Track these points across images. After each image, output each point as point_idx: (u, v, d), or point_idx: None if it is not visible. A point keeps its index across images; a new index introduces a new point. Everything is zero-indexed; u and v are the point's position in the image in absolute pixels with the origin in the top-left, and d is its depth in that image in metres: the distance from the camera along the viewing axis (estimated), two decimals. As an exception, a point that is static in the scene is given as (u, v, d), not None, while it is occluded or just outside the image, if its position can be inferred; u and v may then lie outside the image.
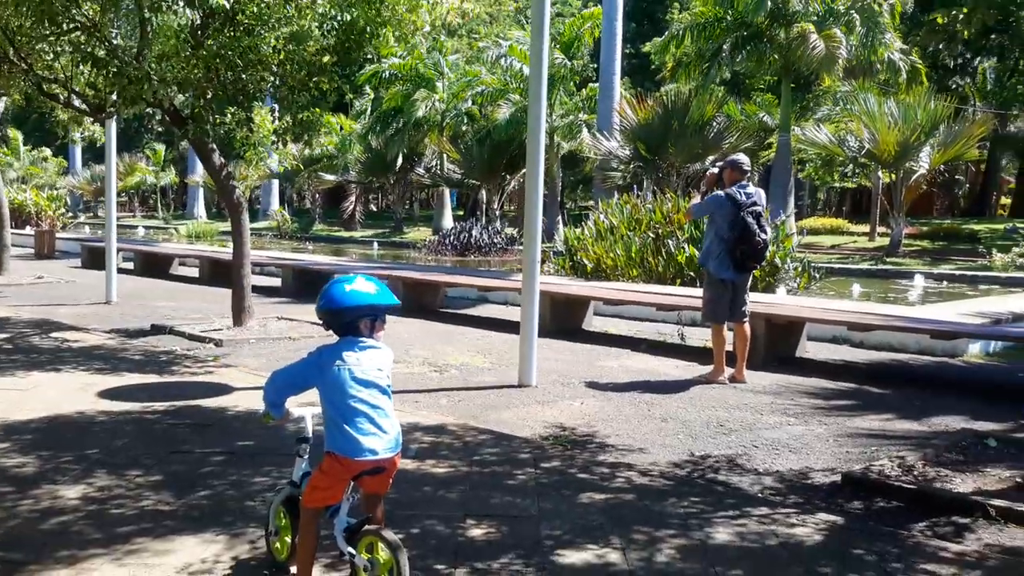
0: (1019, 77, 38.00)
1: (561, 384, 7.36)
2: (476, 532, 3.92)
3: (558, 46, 26.96)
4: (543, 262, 15.56)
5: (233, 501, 4.31)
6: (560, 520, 4.09)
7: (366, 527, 3.23)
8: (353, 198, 35.11)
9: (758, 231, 7.35)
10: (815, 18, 23.83)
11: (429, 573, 3.48)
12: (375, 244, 28.18)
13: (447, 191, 33.62)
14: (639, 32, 42.46)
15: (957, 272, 18.10)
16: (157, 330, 9.71)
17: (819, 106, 31.90)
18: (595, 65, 28.05)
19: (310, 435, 3.48)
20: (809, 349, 8.98)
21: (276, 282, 14.80)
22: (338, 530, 3.24)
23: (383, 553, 3.14)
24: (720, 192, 7.54)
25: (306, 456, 3.47)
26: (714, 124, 24.00)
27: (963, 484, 4.65)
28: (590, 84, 28.13)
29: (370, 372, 3.22)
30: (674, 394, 7.04)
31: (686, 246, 12.44)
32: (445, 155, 30.39)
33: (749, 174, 7.80)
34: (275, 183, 40.20)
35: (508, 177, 29.04)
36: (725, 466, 5.10)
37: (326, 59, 7.81)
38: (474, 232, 23.27)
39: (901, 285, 16.62)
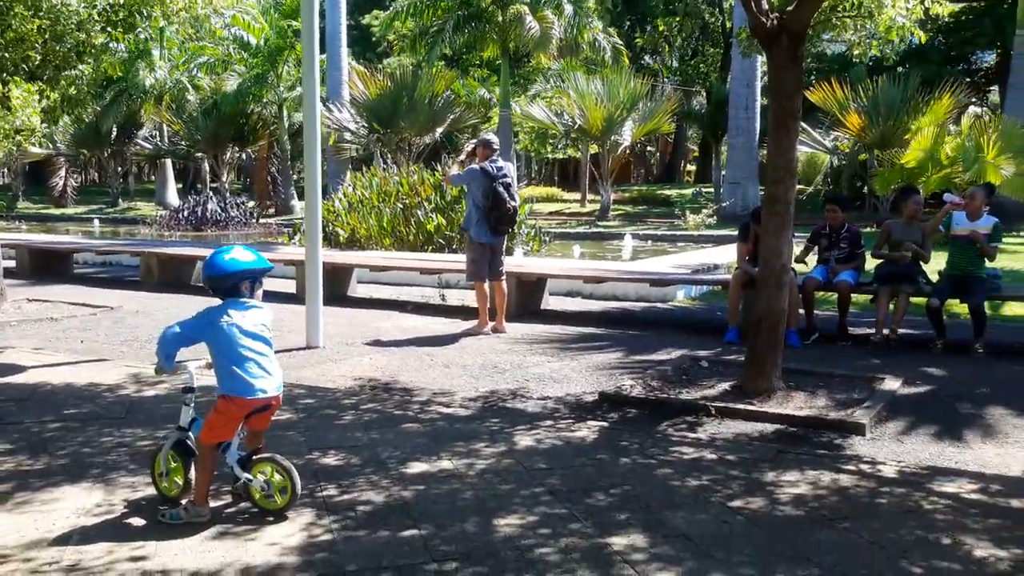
0: (699, 59, 42.80)
1: (346, 344, 8.11)
2: (328, 460, 4.69)
3: (281, 15, 26.90)
4: (294, 235, 16.03)
5: (92, 457, 4.73)
6: (393, 446, 4.95)
7: (256, 456, 3.92)
8: (63, 172, 32.71)
9: (508, 199, 8.52)
10: (528, 0, 25.70)
11: (304, 490, 4.22)
12: (96, 221, 26.69)
13: (169, 164, 32.33)
14: (358, 4, 42.84)
15: (659, 232, 20.69)
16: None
17: (533, 82, 34.18)
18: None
19: (195, 385, 4.05)
20: (551, 302, 10.37)
21: (9, 264, 14.03)
22: (232, 461, 3.88)
23: (275, 475, 3.86)
24: (475, 166, 8.62)
25: (192, 404, 4.04)
26: (440, 99, 25.23)
27: (689, 394, 6.06)
28: (319, 56, 28.28)
29: (256, 327, 3.90)
30: (448, 346, 8.06)
31: (434, 215, 13.49)
32: (166, 126, 29.23)
33: (499, 150, 8.94)
34: (-38, 157, 36.35)
35: (236, 149, 28.55)
36: (510, 397, 6.19)
37: (96, 39, 7.89)
38: (210, 206, 22.90)
39: (614, 245, 18.80)
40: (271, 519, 3.82)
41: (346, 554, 3.51)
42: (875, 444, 5.11)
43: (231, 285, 3.92)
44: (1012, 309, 9.64)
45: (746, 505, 4.04)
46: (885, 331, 7.89)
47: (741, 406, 5.66)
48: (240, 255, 3.93)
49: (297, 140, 33.83)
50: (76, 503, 4.06)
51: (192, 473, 3.94)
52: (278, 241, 19.40)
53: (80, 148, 31.94)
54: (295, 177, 39.80)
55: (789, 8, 5.67)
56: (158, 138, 30.53)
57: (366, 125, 25.07)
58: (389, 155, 24.74)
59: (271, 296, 11.05)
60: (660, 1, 35.12)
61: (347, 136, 25.15)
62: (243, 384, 3.80)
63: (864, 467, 4.62)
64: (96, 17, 7.92)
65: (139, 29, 8.14)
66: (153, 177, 51.67)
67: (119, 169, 35.39)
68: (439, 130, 25.76)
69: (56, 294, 11.18)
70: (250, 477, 3.85)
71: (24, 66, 7.92)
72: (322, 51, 29.59)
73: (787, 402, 5.79)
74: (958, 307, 8.31)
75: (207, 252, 12.91)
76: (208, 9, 8.98)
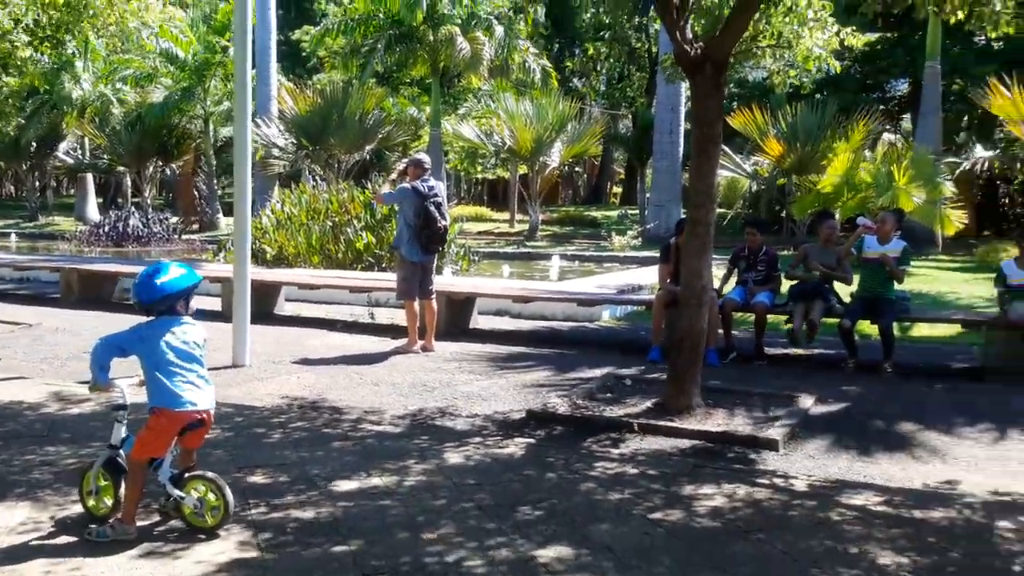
0: (625, 83, 43.64)
1: (273, 363, 8.09)
2: (256, 478, 4.71)
3: (211, 31, 26.60)
4: (219, 251, 15.84)
5: (15, 475, 4.66)
6: (322, 463, 4.99)
7: (189, 473, 3.93)
8: (-25, 185, 31.66)
9: (439, 218, 8.63)
10: (460, 21, 25.91)
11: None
12: (12, 235, 25.84)
13: (91, 178, 31.55)
14: (287, 19, 42.54)
15: (586, 253, 21.00)
16: None
17: (463, 102, 34.39)
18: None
19: (127, 403, 4.05)
20: (480, 321, 10.48)
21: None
22: (164, 479, 3.88)
23: (208, 493, 3.87)
24: (407, 185, 8.70)
25: (124, 421, 4.03)
26: (371, 117, 25.22)
27: (613, 411, 6.23)
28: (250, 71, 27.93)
29: (189, 344, 3.93)
30: (378, 364, 8.11)
31: (364, 234, 13.50)
32: (88, 139, 28.56)
33: (430, 170, 9.04)
34: None
35: (160, 163, 28.04)
36: (438, 415, 6.28)
37: (23, 52, 7.77)
38: (132, 221, 22.42)
39: (542, 265, 19.03)
40: (201, 537, 3.84)
41: (276, 571, 3.55)
42: (788, 459, 5.34)
43: (166, 307, 3.94)
44: (920, 331, 10.09)
45: (666, 517, 4.20)
46: (797, 351, 8.20)
47: (662, 423, 5.85)
48: (174, 275, 3.94)
49: (222, 155, 33.42)
50: (1, 522, 4.01)
51: (122, 491, 3.92)
52: (202, 258, 19.12)
53: (-4, 161, 31.08)
54: (220, 193, 39.20)
55: (712, 38, 5.93)
56: (79, 151, 29.76)
57: (295, 141, 24.89)
58: (318, 172, 24.60)
59: (195, 314, 10.87)
60: (589, 26, 35.74)
61: (275, 152, 24.90)
62: (173, 397, 3.82)
63: (777, 481, 4.84)
64: (22, 31, 7.81)
65: (67, 44, 8.03)
66: (72, 191, 50.35)
67: (37, 183, 34.36)
68: (369, 147, 25.72)
69: (-30, 310, 10.87)
70: (182, 495, 3.86)
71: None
72: (252, 66, 29.28)
73: (706, 419, 6.00)
74: (869, 328, 8.67)
75: (129, 268, 12.80)
76: (137, 22, 8.91)
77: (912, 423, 6.24)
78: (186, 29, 24.96)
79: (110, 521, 3.86)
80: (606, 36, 34.45)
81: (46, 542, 3.80)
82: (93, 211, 31.01)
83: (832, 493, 4.65)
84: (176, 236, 23.46)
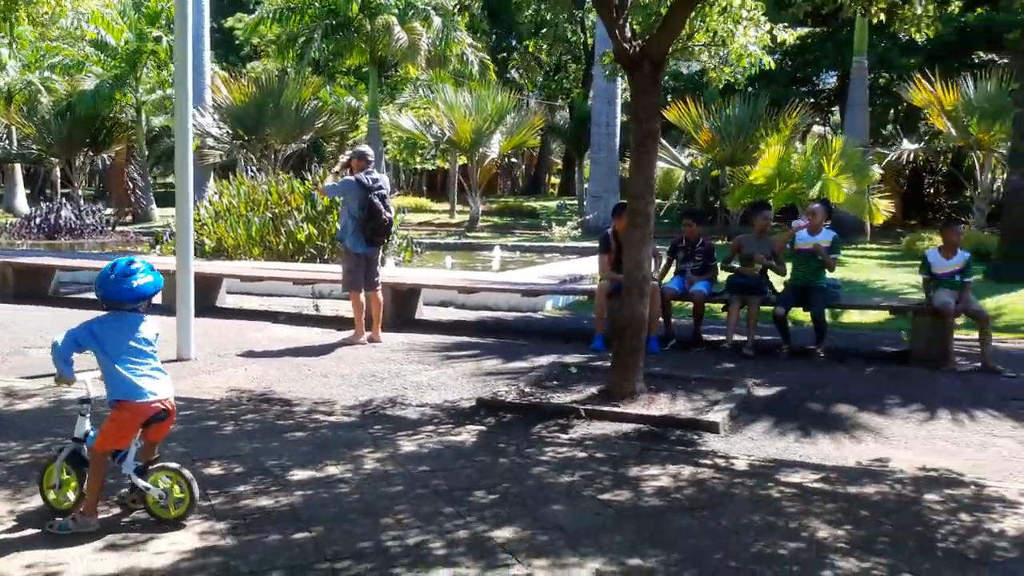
0: (562, 75, 43.90)
1: (219, 356, 8.08)
2: (213, 470, 4.76)
3: (143, 18, 26.06)
4: (155, 244, 15.61)
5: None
6: (277, 454, 5.06)
7: (154, 465, 3.97)
8: None
9: (384, 210, 8.69)
10: (397, 11, 25.81)
11: (191, 499, 4.29)
12: (-65, 228, 25.03)
13: (19, 169, 30.66)
14: (220, 6, 41.78)
15: (527, 243, 21.18)
16: None
17: (401, 92, 34.25)
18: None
19: (90, 396, 4.07)
20: (425, 312, 10.57)
21: None
22: (129, 471, 3.92)
23: (174, 484, 3.92)
24: (351, 177, 8.74)
25: (87, 415, 4.06)
26: (308, 106, 24.99)
27: (561, 398, 6.41)
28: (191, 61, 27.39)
29: (144, 339, 3.97)
30: (325, 355, 8.16)
31: (305, 225, 13.45)
32: (15, 129, 27.75)
33: (373, 162, 9.09)
34: None
35: (92, 154, 27.39)
36: (389, 405, 6.38)
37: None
38: (64, 213, 21.88)
39: (484, 255, 19.14)
40: (165, 528, 3.89)
41: (239, 557, 3.63)
42: (729, 440, 5.57)
43: (131, 307, 3.98)
44: (851, 317, 10.48)
45: (615, 498, 4.38)
46: (735, 337, 8.48)
47: (608, 408, 6.04)
48: (143, 280, 3.96)
49: (154, 145, 32.75)
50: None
51: (86, 485, 3.95)
52: (137, 250, 18.79)
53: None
54: (153, 183, 38.45)
55: (650, 36, 6.11)
56: (6, 141, 28.89)
57: (230, 131, 24.54)
58: (254, 162, 24.31)
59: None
60: (526, 19, 35.85)
61: (210, 142, 24.51)
62: (134, 388, 3.86)
63: (719, 461, 5.06)
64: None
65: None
66: (-2, 182, 48.80)
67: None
68: (306, 137, 25.49)
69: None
70: (148, 486, 3.91)
71: None
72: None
73: (650, 404, 6.21)
74: (802, 315, 9.00)
75: (66, 262, 12.57)
76: (74, 11, 8.77)
77: (845, 405, 6.54)
78: (117, 16, 24.42)
79: (72, 514, 3.88)
80: (544, 33, 34.60)
81: (7, 536, 3.81)
82: (22, 202, 30.16)
83: (771, 472, 4.89)
84: (110, 228, 22.99)
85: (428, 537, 3.84)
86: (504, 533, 3.90)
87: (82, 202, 25.54)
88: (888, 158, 21.48)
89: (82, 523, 3.82)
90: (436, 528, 3.95)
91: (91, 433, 4.00)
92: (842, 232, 20.69)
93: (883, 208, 17.43)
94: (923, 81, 19.51)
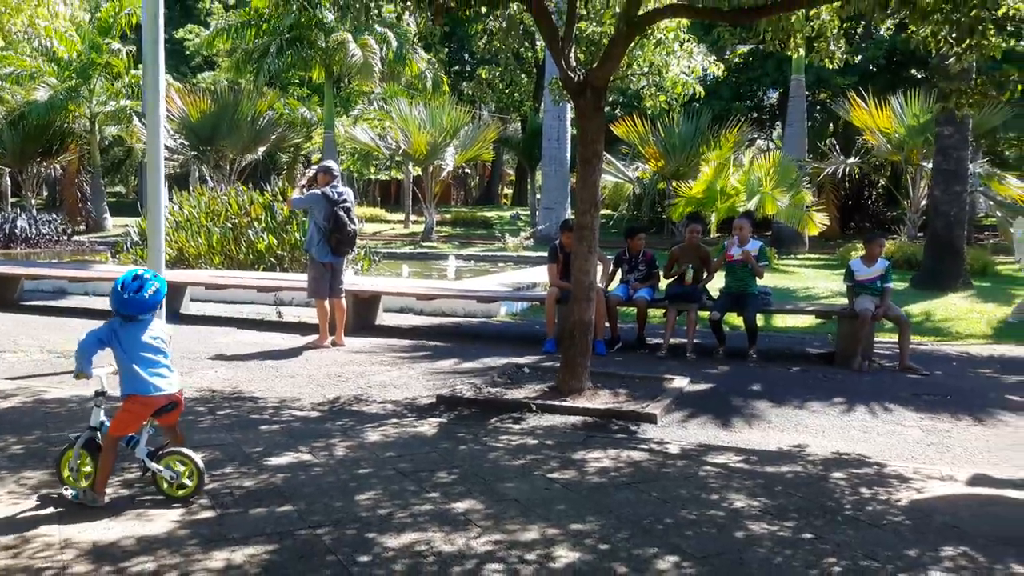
0: (513, 88, 44.61)
1: (189, 359, 8.51)
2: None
3: (96, 30, 26.15)
4: (116, 253, 15.88)
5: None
6: (254, 443, 5.55)
7: (165, 450, 4.46)
8: None
9: (349, 222, 9.21)
10: (351, 27, 26.24)
11: (181, 481, 4.77)
12: None
13: (-32, 178, 30.45)
14: (171, 17, 41.78)
15: (480, 253, 21.75)
16: None
17: (356, 104, 34.64)
18: (132, 48, 27.47)
19: (105, 390, 4.53)
20: (385, 318, 11.08)
21: None
22: (141, 455, 4.41)
23: (181, 466, 4.41)
24: (317, 191, 9.25)
25: (102, 406, 4.52)
26: (263, 118, 25.32)
27: (514, 394, 6.97)
28: (132, 71, 27.64)
29: (154, 338, 4.45)
30: (292, 359, 8.63)
31: (265, 235, 13.87)
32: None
33: (339, 176, 9.60)
34: None
35: (44, 163, 27.36)
36: (354, 401, 6.89)
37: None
38: (20, 223, 21.92)
39: (440, 265, 19.68)
40: (161, 505, 4.37)
41: (229, 526, 4.13)
42: (664, 430, 6.18)
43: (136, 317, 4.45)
44: (785, 321, 11.23)
45: (562, 476, 4.96)
46: (673, 340, 9.12)
47: (557, 403, 6.62)
48: (152, 290, 4.43)
49: (107, 155, 32.73)
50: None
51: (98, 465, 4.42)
52: (95, 259, 18.99)
53: None
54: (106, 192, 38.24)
55: (593, 66, 6.73)
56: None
57: (184, 142, 24.77)
58: (209, 173, 24.54)
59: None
60: (479, 47, 36.50)
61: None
62: (143, 383, 4.34)
63: (654, 446, 5.67)
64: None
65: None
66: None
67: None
68: (261, 149, 25.80)
69: None
70: (160, 468, 4.39)
71: None
72: (138, 65, 28.90)
73: (594, 398, 6.81)
74: (737, 320, 9.68)
75: (32, 271, 12.83)
76: (43, 32, 9.15)
77: (771, 400, 7.20)
78: (72, 29, 24.49)
79: (83, 486, 4.35)
80: (500, 62, 35.26)
81: (22, 514, 4.26)
82: (-29, 212, 29.99)
83: (700, 455, 5.50)
84: (66, 237, 23.06)
85: (396, 509, 4.38)
86: (464, 504, 4.44)
87: (35, 211, 25.53)
88: (824, 172, 22.48)
89: (91, 497, 4.29)
90: (403, 502, 4.48)
91: (105, 423, 4.46)
92: (781, 243, 21.73)
93: (818, 220, 18.32)
94: (857, 100, 20.51)
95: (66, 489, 4.36)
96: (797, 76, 22.44)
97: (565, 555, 3.85)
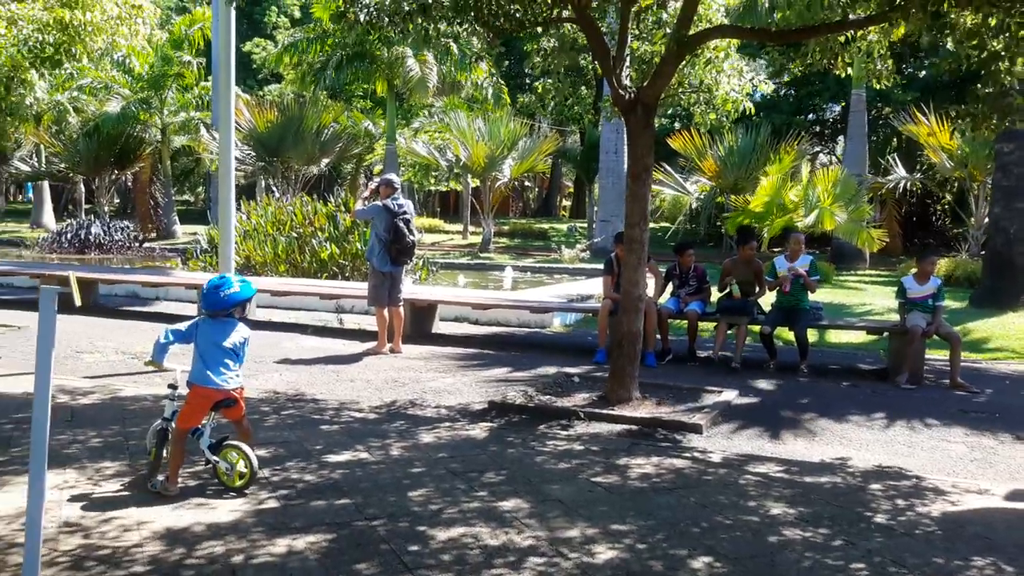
0: (574, 101, 44.72)
1: (255, 362, 8.89)
2: (261, 452, 5.55)
3: (168, 43, 27.10)
4: (186, 260, 16.51)
5: (52, 451, 5.44)
6: (315, 441, 5.87)
7: (225, 443, 4.80)
8: (-71, 192, 31.71)
9: (408, 234, 9.55)
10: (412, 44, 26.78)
11: (247, 474, 5.10)
12: (-30, 242, 26.08)
13: (47, 186, 31.77)
14: (238, 31, 43.06)
15: (536, 264, 22.01)
16: None
17: (417, 116, 35.24)
18: (201, 61, 28.37)
19: (177, 385, 4.91)
20: (441, 326, 11.39)
21: None
22: (204, 446, 4.78)
23: (239, 459, 4.75)
24: (379, 203, 9.61)
25: (175, 400, 4.89)
26: (328, 130, 25.97)
27: (563, 402, 7.20)
28: (202, 83, 28.57)
29: (232, 340, 4.81)
30: (351, 364, 8.98)
31: (328, 244, 14.32)
32: (44, 147, 28.84)
33: (399, 189, 9.95)
34: None
35: (116, 172, 28.44)
36: (410, 405, 7.19)
37: (26, 74, 8.53)
38: (94, 229, 22.87)
39: (496, 275, 19.99)
40: (231, 495, 4.70)
41: (291, 515, 4.43)
42: (709, 440, 6.35)
43: (225, 312, 4.82)
44: (838, 337, 11.25)
45: (605, 480, 5.18)
46: (723, 353, 9.25)
47: (604, 411, 6.83)
48: (235, 289, 4.82)
49: (175, 164, 33.81)
50: (52, 483, 4.82)
51: (165, 453, 4.79)
52: (166, 265, 19.73)
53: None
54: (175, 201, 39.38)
55: (643, 84, 6.95)
56: (34, 159, 30.01)
57: (252, 153, 25.53)
58: (275, 183, 25.26)
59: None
60: (535, 66, 36.82)
61: (233, 163, 25.48)
62: (203, 376, 4.70)
63: (697, 455, 5.85)
64: (26, 54, 8.56)
65: (66, 65, 8.81)
66: (20, 198, 50.04)
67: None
68: (325, 160, 26.45)
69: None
70: (217, 460, 4.74)
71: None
72: (208, 77, 29.89)
73: (641, 408, 7.00)
74: (788, 335, 9.77)
75: (107, 276, 13.45)
76: (123, 50, 9.67)
77: (818, 413, 7.31)
78: (146, 42, 25.47)
79: (160, 478, 4.72)
80: (552, 79, 35.55)
81: (94, 496, 4.63)
82: (49, 218, 31.29)
83: (741, 464, 5.67)
84: (137, 244, 23.95)
85: (446, 505, 4.64)
86: (510, 503, 4.69)
87: (108, 219, 26.57)
88: (885, 188, 22.25)
89: (163, 487, 4.65)
90: (452, 499, 4.74)
91: (175, 413, 4.84)
92: (841, 258, 21.56)
93: (877, 237, 18.19)
94: (919, 115, 20.32)
95: (151, 480, 4.72)
96: (858, 91, 22.27)
97: (604, 552, 4.06)
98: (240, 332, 4.90)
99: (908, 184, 23.01)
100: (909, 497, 5.08)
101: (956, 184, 22.84)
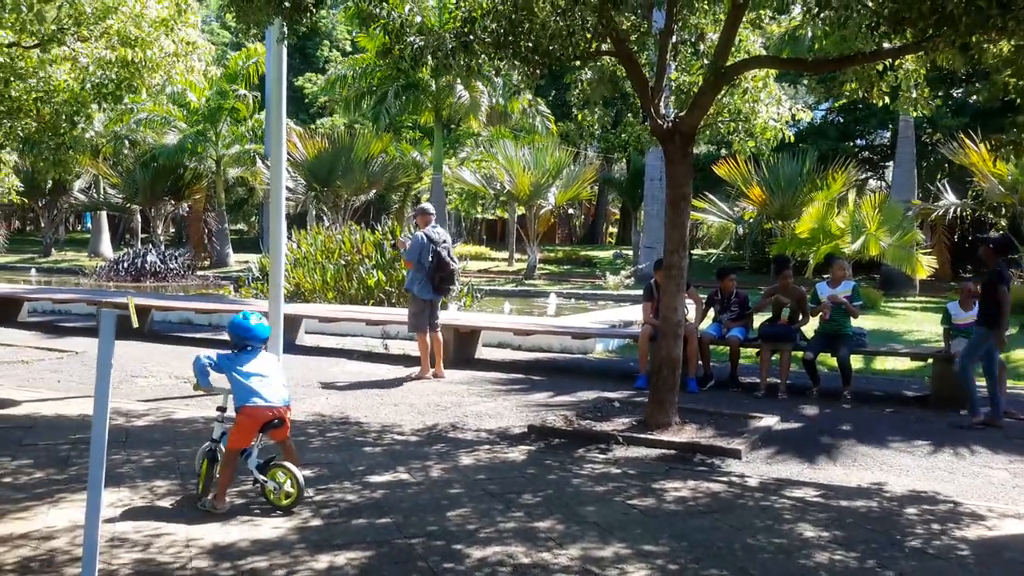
0: (622, 128, 44.90)
1: (303, 386, 9.14)
2: (307, 472, 5.72)
3: (223, 77, 27.90)
4: (239, 287, 16.92)
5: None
6: (358, 462, 6.04)
7: (273, 463, 4.99)
8: (-4, 223, 32.95)
9: (450, 261, 9.74)
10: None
11: (292, 493, 5.27)
12: (33, 270, 26.93)
13: (104, 215, 32.77)
14: (290, 65, 44.12)
15: (581, 291, 22.10)
16: None
17: (463, 146, 35.71)
18: (256, 95, 29.12)
19: (226, 407, 5.12)
20: (484, 352, 11.55)
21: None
22: (252, 466, 4.97)
23: (286, 479, 4.93)
24: (420, 234, 9.82)
25: (223, 422, 5.11)
26: (376, 161, 26.47)
27: (602, 426, 7.28)
28: (255, 116, 29.34)
29: (261, 367, 5.01)
30: (395, 388, 9.16)
31: (374, 272, 14.59)
32: (102, 178, 29.78)
33: (435, 215, 10.15)
34: None
35: (172, 202, 29.24)
36: (451, 429, 7.33)
37: (89, 111, 8.92)
38: (150, 258, 23.54)
39: (540, 302, 20.14)
40: (276, 513, 4.88)
41: (334, 533, 4.59)
42: (748, 465, 6.38)
43: (246, 346, 5.05)
44: (882, 363, 11.16)
45: (641, 503, 5.25)
46: (770, 380, 9.25)
47: (643, 435, 6.90)
48: (257, 320, 5.06)
49: (230, 194, 34.63)
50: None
51: (215, 473, 4.99)
52: (219, 293, 20.21)
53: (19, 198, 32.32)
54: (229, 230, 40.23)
55: (681, 114, 7.08)
56: (93, 189, 31.01)
57: (303, 183, 26.09)
58: (325, 212, 25.77)
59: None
60: (575, 96, 37.15)
61: (284, 193, 26.03)
62: (249, 395, 4.90)
63: (734, 479, 5.89)
64: (89, 88, 8.96)
65: (125, 99, 9.19)
66: (80, 228, 51.54)
67: (55, 219, 35.69)
68: (374, 190, 26.92)
69: (16, 339, 11.94)
70: (265, 479, 4.93)
71: (19, 132, 8.92)
72: (261, 110, 30.66)
73: (680, 433, 7.05)
74: (832, 361, 9.73)
75: (161, 303, 13.88)
76: (179, 85, 10.04)
77: (859, 439, 7.28)
78: (202, 76, 26.27)
79: (209, 497, 4.91)
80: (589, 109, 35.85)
81: (145, 514, 4.84)
82: (107, 247, 32.22)
83: (778, 488, 5.70)
84: (191, 272, 24.57)
85: (483, 524, 4.76)
86: (546, 524, 4.79)
87: (163, 247, 27.32)
88: (934, 214, 21.99)
89: (211, 506, 4.85)
90: (489, 520, 4.86)
91: (225, 435, 5.04)
92: (890, 285, 21.32)
93: (926, 263, 17.98)
94: (968, 141, 20.09)
95: (201, 501, 4.92)
96: (906, 117, 22.08)
97: (635, 572, 4.15)
98: (269, 358, 5.12)
99: (959, 210, 22.71)
100: (945, 521, 5.08)
101: (1010, 210, 22.47)
